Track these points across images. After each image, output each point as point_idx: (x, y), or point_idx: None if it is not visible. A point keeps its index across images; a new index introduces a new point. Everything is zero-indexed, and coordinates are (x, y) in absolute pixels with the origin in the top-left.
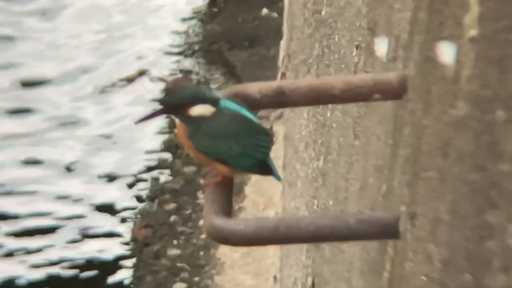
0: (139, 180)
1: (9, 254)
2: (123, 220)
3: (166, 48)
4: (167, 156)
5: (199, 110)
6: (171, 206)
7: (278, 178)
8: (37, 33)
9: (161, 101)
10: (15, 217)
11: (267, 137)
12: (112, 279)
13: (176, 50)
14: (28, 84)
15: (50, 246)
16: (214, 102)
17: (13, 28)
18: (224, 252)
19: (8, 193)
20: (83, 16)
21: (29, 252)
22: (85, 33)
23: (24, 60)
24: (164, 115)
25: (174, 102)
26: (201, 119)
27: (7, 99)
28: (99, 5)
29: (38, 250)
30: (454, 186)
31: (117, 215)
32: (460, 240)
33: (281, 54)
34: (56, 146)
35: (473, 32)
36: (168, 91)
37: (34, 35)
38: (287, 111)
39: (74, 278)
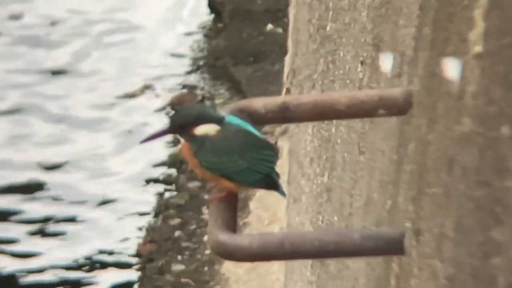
0: (144, 195)
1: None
2: (128, 235)
3: (171, 63)
4: (172, 171)
5: (204, 129)
6: (176, 221)
7: (283, 193)
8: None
9: (167, 120)
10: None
11: (272, 152)
12: None
13: (181, 65)
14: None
15: (54, 258)
16: (219, 121)
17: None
18: (229, 267)
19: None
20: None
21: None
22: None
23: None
24: (169, 134)
25: (179, 122)
26: (205, 137)
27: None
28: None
29: (39, 271)
30: (459, 202)
31: (121, 230)
32: (465, 257)
33: (286, 69)
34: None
35: (478, 48)
36: (173, 109)
37: None
38: (291, 127)
39: None
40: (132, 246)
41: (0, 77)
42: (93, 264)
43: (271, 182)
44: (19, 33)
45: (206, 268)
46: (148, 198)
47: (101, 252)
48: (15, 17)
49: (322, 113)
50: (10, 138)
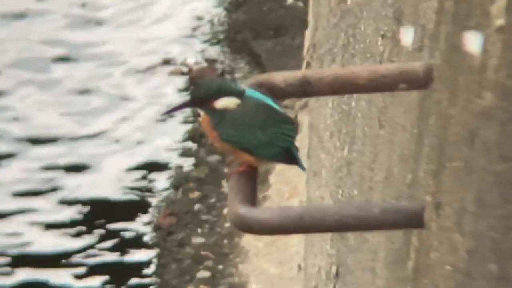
0: (164, 169)
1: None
2: (148, 208)
3: (191, 37)
4: (192, 145)
5: (224, 102)
6: (196, 194)
7: (302, 167)
8: None
9: (187, 94)
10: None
11: (291, 126)
12: (136, 267)
13: (201, 39)
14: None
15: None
16: (239, 94)
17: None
18: (248, 240)
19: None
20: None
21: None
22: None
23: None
24: (190, 107)
25: (199, 96)
26: (225, 110)
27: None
28: None
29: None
30: (480, 176)
31: (141, 203)
32: (485, 230)
33: (306, 43)
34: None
35: (500, 22)
36: (193, 83)
37: None
38: (312, 101)
39: (98, 265)
40: (152, 219)
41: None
42: (113, 237)
43: (290, 157)
44: None
45: (225, 241)
46: (168, 171)
47: (121, 224)
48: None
49: (342, 87)
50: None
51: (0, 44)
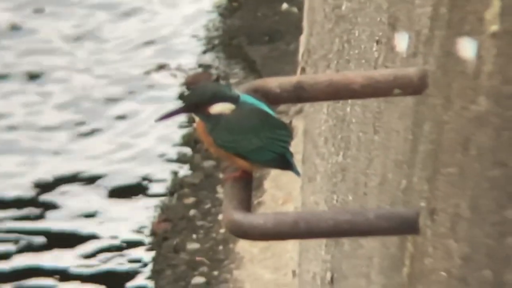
0: (159, 174)
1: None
2: (142, 214)
3: (186, 42)
4: (187, 150)
5: (219, 108)
6: (191, 200)
7: (297, 173)
8: None
9: (182, 99)
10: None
11: (286, 132)
12: (131, 273)
13: (196, 44)
14: None
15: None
16: (234, 100)
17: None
18: (243, 246)
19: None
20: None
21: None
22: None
23: None
24: (184, 113)
25: (194, 101)
26: (220, 116)
27: None
28: None
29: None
30: (474, 182)
31: (136, 208)
32: (480, 236)
33: (301, 49)
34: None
35: (494, 28)
36: (188, 89)
37: None
38: (306, 106)
39: (93, 271)
40: (147, 224)
41: None
42: (108, 243)
43: (285, 162)
44: None
45: (220, 247)
46: (163, 177)
47: (116, 230)
48: None
49: (337, 92)
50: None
51: None
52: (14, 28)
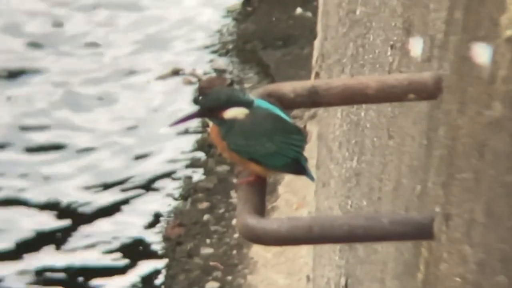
0: (173, 179)
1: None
2: (156, 219)
3: (200, 47)
4: (200, 155)
5: (233, 112)
6: (204, 205)
7: (311, 178)
8: None
9: (197, 103)
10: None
11: (300, 136)
12: (145, 277)
13: (211, 49)
14: None
15: (85, 240)
16: (248, 104)
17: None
18: (257, 251)
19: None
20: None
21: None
22: (119, 29)
23: None
24: (199, 118)
25: (208, 106)
26: (234, 120)
27: None
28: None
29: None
30: (489, 188)
31: (150, 213)
32: (495, 242)
33: (315, 53)
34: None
35: (509, 33)
36: (202, 93)
37: None
38: (320, 111)
39: (107, 276)
40: (160, 229)
41: None
42: (122, 248)
43: (299, 167)
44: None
45: (234, 252)
46: (177, 182)
47: (130, 235)
48: None
49: (351, 97)
50: None
51: None
52: None
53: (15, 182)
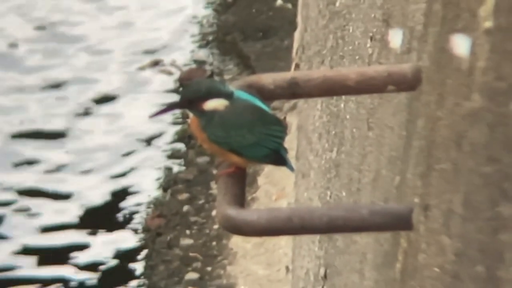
0: (152, 170)
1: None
2: (136, 210)
3: (180, 38)
4: (180, 146)
5: (213, 104)
6: (184, 196)
7: (291, 168)
8: None
9: (177, 95)
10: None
11: (280, 127)
12: (124, 268)
13: (190, 40)
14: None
15: (64, 235)
16: (228, 96)
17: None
18: (237, 242)
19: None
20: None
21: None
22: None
23: None
24: (179, 109)
25: (188, 97)
26: (214, 112)
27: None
28: None
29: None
30: (467, 178)
31: (129, 205)
32: (473, 232)
33: (295, 45)
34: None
35: (488, 24)
36: (182, 84)
37: None
38: (300, 102)
39: (86, 266)
40: (140, 220)
41: None
42: (101, 238)
43: (279, 158)
44: None
45: (214, 243)
46: (156, 172)
47: (109, 225)
48: None
49: (331, 88)
50: None
51: None
52: None
53: None
